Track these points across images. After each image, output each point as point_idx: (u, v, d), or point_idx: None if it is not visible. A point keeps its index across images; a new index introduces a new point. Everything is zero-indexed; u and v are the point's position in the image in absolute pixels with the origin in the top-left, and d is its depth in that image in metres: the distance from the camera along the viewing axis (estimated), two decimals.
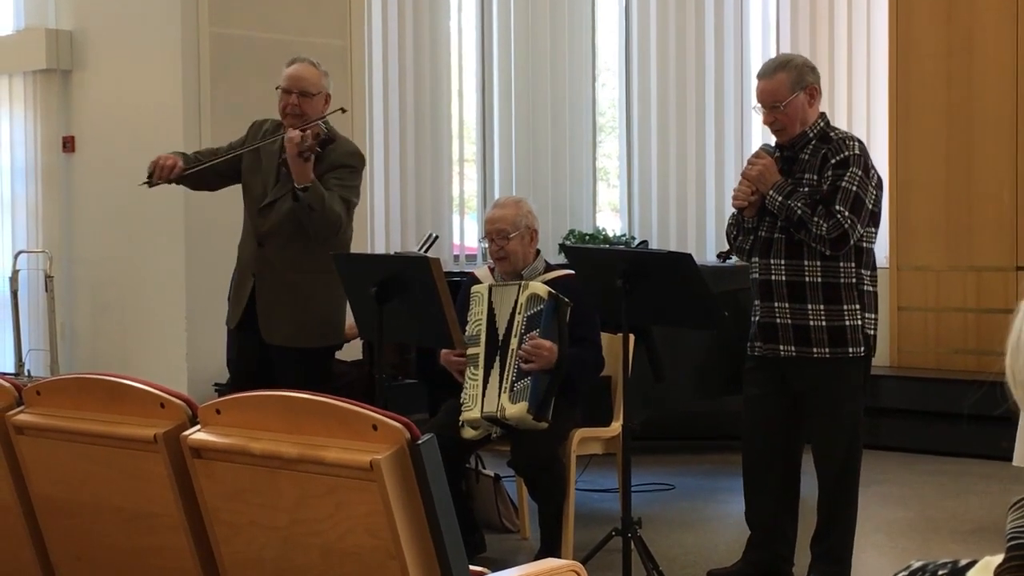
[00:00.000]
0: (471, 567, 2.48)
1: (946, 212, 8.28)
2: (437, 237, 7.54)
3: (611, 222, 10.14)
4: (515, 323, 5.03)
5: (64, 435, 2.89)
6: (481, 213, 9.53)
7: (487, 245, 5.34)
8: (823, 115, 4.74)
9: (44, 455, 2.96)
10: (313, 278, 5.21)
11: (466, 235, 9.58)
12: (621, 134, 10.04)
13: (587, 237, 9.57)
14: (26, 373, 7.91)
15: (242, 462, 2.55)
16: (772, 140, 4.92)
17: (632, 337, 4.90)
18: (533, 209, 5.35)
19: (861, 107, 8.84)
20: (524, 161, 9.77)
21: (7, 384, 3.08)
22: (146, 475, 2.74)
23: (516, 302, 5.05)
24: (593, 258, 5.10)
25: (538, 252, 5.34)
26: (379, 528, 2.35)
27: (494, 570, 2.64)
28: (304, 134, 4.97)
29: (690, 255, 4.74)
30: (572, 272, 5.17)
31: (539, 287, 5.02)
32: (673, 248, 9.04)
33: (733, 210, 4.84)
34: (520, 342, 5.00)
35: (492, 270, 5.35)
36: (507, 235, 5.20)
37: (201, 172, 5.29)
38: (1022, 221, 8.01)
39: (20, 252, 8.16)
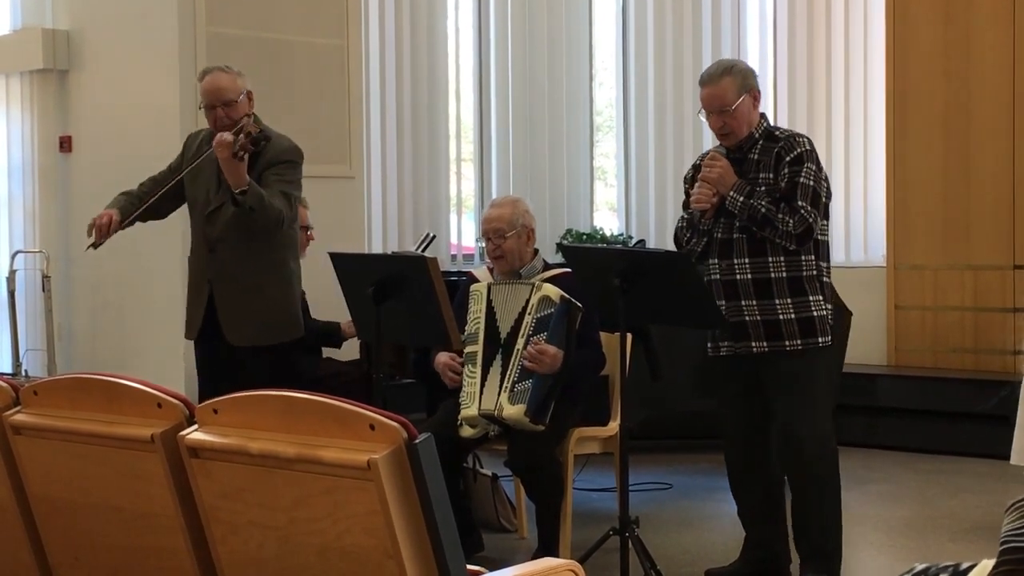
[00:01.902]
0: (468, 566, 2.48)
1: (943, 211, 8.28)
2: (434, 237, 7.54)
3: (608, 221, 10.15)
4: (524, 323, 5.03)
5: (61, 435, 2.89)
6: (478, 213, 9.53)
7: (484, 244, 5.35)
8: (763, 115, 4.85)
9: (41, 455, 2.96)
10: (267, 275, 5.25)
11: (463, 235, 9.59)
12: (618, 133, 10.04)
13: (584, 236, 9.58)
14: (23, 373, 7.91)
15: (240, 462, 2.55)
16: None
17: (630, 337, 4.90)
18: (530, 208, 5.36)
19: (858, 106, 8.84)
20: (521, 161, 9.77)
21: (4, 384, 3.08)
22: (143, 475, 2.74)
23: (528, 302, 5.05)
24: (590, 258, 5.09)
25: (536, 251, 5.35)
26: (376, 527, 2.35)
27: (492, 569, 2.64)
28: (236, 137, 4.97)
29: (687, 254, 4.75)
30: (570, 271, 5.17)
31: (551, 290, 5.01)
32: (670, 248, 9.03)
33: (683, 213, 4.90)
34: (526, 343, 5.00)
35: (491, 270, 5.36)
36: (504, 234, 5.21)
37: (145, 211, 5.34)
38: (1019, 220, 8.02)
39: (17, 252, 8.16)
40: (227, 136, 4.98)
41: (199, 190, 5.27)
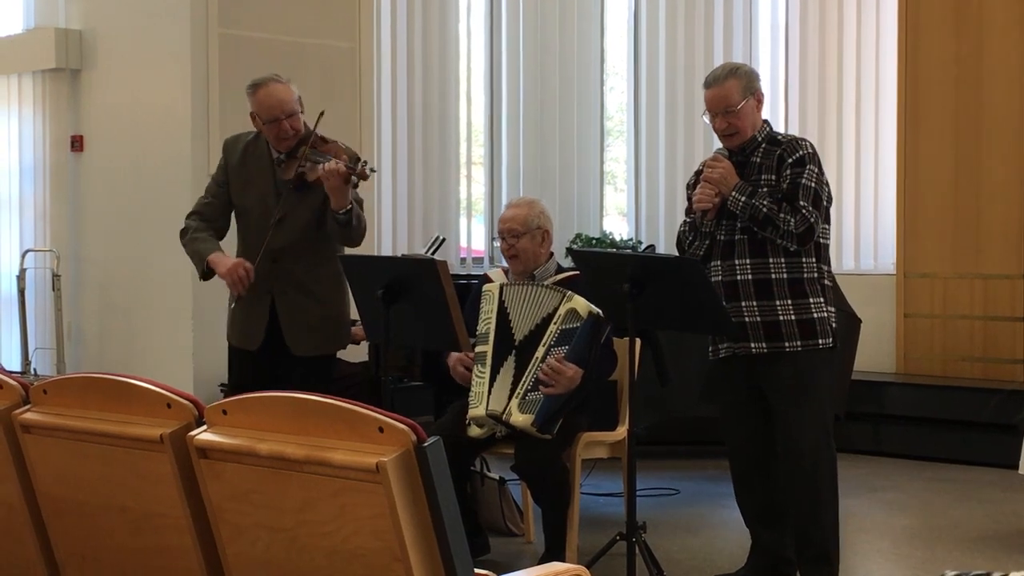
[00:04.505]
0: (475, 570, 2.48)
1: (954, 219, 8.27)
2: (444, 239, 7.55)
3: (618, 226, 10.14)
4: (547, 332, 5.00)
5: (70, 434, 2.89)
6: (488, 216, 9.54)
7: (499, 244, 5.35)
8: (767, 121, 4.88)
9: (50, 454, 2.96)
10: (331, 285, 5.26)
11: (473, 237, 9.59)
12: (629, 138, 10.04)
13: (594, 241, 9.57)
14: (32, 372, 7.92)
15: (248, 463, 2.55)
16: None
17: (638, 342, 4.89)
18: (547, 211, 5.36)
19: (870, 113, 8.83)
20: (532, 164, 9.78)
21: (14, 382, 3.09)
22: (152, 475, 2.74)
23: (556, 311, 5.02)
24: (600, 262, 5.09)
25: (551, 254, 5.34)
26: (384, 530, 2.35)
27: (499, 573, 2.64)
28: (342, 159, 4.98)
29: (697, 260, 4.75)
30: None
31: (581, 303, 4.96)
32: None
33: (686, 217, 4.91)
34: (547, 352, 4.99)
35: (506, 272, 5.36)
36: (518, 234, 5.21)
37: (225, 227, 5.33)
38: None
39: (28, 251, 8.18)
40: (340, 166, 4.95)
41: (253, 199, 5.22)
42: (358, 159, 5.05)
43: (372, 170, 5.13)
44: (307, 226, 5.16)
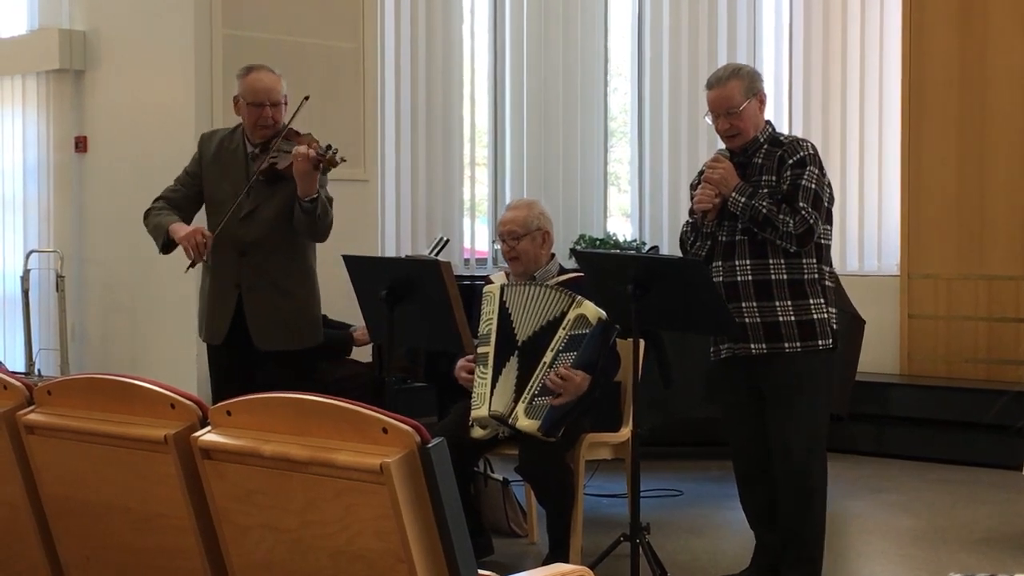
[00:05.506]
0: (479, 572, 2.48)
1: (957, 220, 8.27)
2: (448, 240, 7.56)
3: (622, 227, 10.14)
4: (556, 337, 4.98)
5: (75, 435, 2.90)
6: (492, 217, 9.53)
7: (500, 246, 5.34)
8: (769, 122, 4.88)
9: (54, 455, 2.96)
10: (299, 280, 5.24)
11: (477, 238, 9.59)
12: (632, 139, 10.03)
13: (598, 242, 9.57)
14: (36, 372, 7.93)
15: (252, 464, 2.55)
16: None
17: (642, 343, 4.89)
18: (546, 211, 5.35)
19: (874, 113, 8.83)
20: (535, 165, 9.77)
21: (18, 383, 3.09)
22: (156, 476, 2.74)
23: (565, 316, 5.01)
24: (604, 263, 5.09)
25: (553, 255, 5.33)
26: (388, 531, 2.35)
27: (502, 574, 2.64)
28: (313, 146, 4.97)
29: (700, 261, 4.75)
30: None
31: (591, 309, 4.95)
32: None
33: (689, 218, 4.91)
34: (555, 357, 4.98)
35: (508, 275, 5.35)
36: (518, 236, 5.20)
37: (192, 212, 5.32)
38: None
39: (32, 251, 8.18)
40: (309, 150, 4.94)
41: (224, 192, 5.22)
42: (329, 147, 5.04)
43: (342, 159, 5.09)
44: (277, 219, 5.13)
